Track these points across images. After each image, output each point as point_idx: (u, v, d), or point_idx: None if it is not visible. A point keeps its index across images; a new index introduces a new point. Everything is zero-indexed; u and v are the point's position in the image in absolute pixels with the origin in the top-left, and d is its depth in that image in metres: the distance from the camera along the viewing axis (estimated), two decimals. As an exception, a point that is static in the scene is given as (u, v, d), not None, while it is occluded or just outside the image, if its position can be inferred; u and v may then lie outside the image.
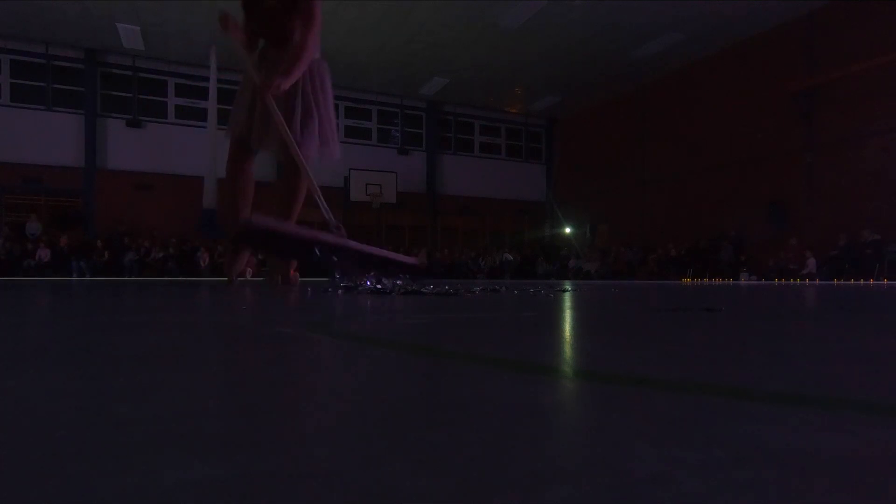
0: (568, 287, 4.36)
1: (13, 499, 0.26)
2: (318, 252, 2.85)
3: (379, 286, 2.97)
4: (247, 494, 0.27)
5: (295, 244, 2.92)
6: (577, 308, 1.99)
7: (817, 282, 10.06)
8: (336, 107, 18.30)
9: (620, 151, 17.53)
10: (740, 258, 13.37)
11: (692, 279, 13.17)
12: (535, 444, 0.37)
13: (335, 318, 1.43)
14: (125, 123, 15.00)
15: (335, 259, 2.99)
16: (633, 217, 17.10)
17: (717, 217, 14.21)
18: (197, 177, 14.55)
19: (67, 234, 13.41)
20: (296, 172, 3.40)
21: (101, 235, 13.88)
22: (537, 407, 0.47)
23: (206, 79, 14.79)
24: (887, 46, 10.72)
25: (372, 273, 3.12)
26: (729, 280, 12.09)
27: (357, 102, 17.61)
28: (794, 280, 11.29)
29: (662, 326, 1.29)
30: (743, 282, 10.66)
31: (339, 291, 2.98)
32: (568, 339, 1.02)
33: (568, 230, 19.32)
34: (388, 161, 17.62)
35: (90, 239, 13.80)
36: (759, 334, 1.15)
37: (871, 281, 10.18)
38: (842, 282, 9.88)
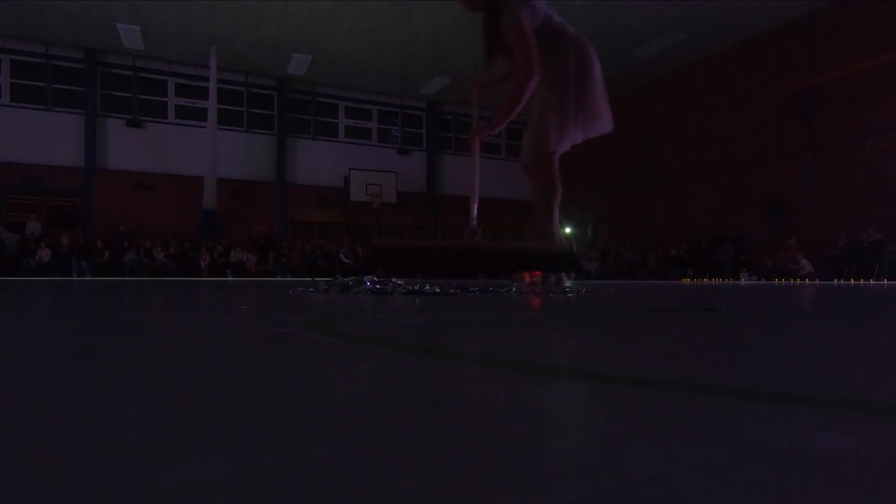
0: (568, 287, 4.35)
1: (13, 499, 0.26)
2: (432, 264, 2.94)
3: (378, 286, 2.97)
4: (247, 494, 0.27)
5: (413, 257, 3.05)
6: (576, 308, 1.99)
7: (817, 282, 10.06)
8: (336, 107, 18.25)
9: (620, 151, 17.52)
10: (740, 258, 13.37)
11: (692, 279, 13.17)
12: (535, 444, 0.37)
13: (335, 318, 1.43)
14: (125, 123, 15.00)
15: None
16: (633, 217, 17.09)
17: (717, 217, 14.21)
18: (197, 177, 14.56)
19: (67, 234, 13.41)
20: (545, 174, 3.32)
21: (101, 235, 13.88)
22: (537, 407, 0.47)
23: (206, 79, 14.80)
24: (887, 46, 10.72)
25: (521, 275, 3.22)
26: (729, 280, 12.09)
27: (357, 102, 17.61)
28: (794, 280, 11.29)
29: (662, 326, 1.29)
30: (743, 282, 10.66)
31: (319, 290, 3.05)
32: (568, 339, 1.02)
33: (568, 230, 19.32)
34: (388, 161, 17.62)
35: (90, 239, 13.81)
36: (759, 334, 1.15)
37: (871, 281, 10.18)
38: (842, 282, 9.88)
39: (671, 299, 2.76)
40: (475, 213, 3.37)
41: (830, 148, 12.04)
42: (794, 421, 0.43)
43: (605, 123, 3.28)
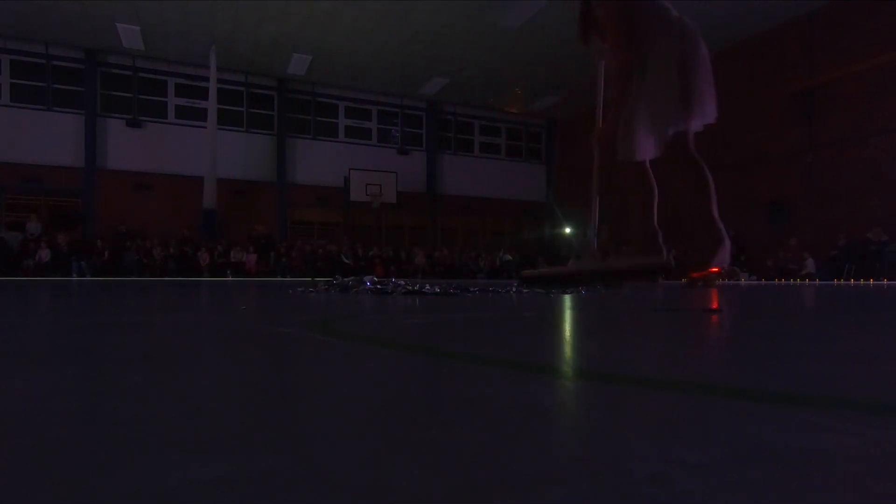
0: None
1: (13, 499, 0.26)
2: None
3: (379, 286, 2.97)
4: (247, 494, 0.27)
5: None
6: (576, 308, 1.99)
7: (817, 282, 10.06)
8: (336, 107, 18.21)
9: (620, 151, 17.49)
10: (741, 258, 13.38)
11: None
12: (535, 444, 0.37)
13: (335, 319, 1.43)
14: (125, 123, 15.01)
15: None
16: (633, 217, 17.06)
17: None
18: (197, 177, 14.57)
19: (67, 234, 13.42)
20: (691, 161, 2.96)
21: (101, 235, 13.89)
22: (537, 407, 0.47)
23: (206, 79, 14.81)
24: (887, 46, 10.72)
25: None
26: (729, 280, 12.09)
27: (357, 102, 17.62)
28: (794, 280, 11.29)
29: (662, 326, 1.29)
30: (743, 282, 10.66)
31: (314, 291, 3.04)
32: (567, 339, 1.02)
33: (568, 230, 19.32)
34: (388, 161, 17.63)
35: (90, 239, 13.81)
36: (759, 334, 1.15)
37: (872, 281, 10.18)
38: (842, 282, 9.89)
39: (671, 299, 2.76)
40: (595, 233, 3.21)
41: (830, 148, 12.04)
42: (794, 421, 0.43)
43: (711, 113, 3.01)
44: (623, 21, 2.73)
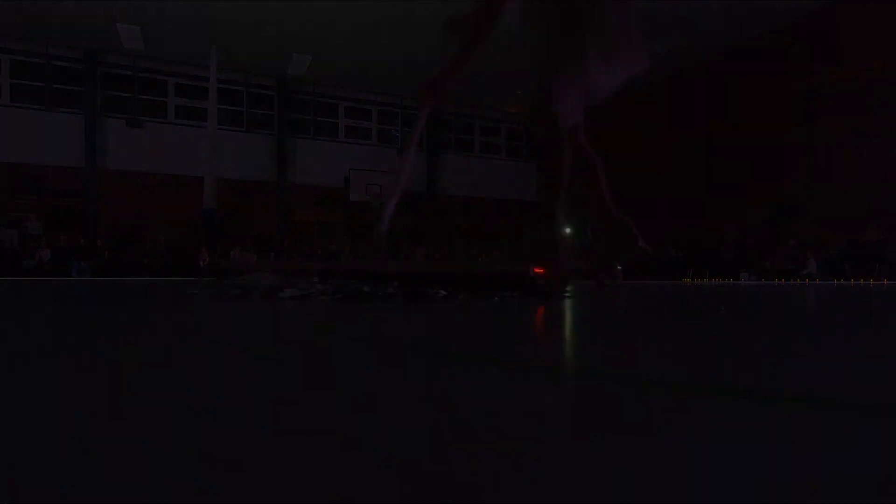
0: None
1: (13, 498, 0.26)
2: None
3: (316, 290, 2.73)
4: (246, 495, 0.27)
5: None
6: (576, 308, 1.99)
7: (817, 282, 10.06)
8: (336, 107, 18.13)
9: (620, 152, 17.50)
10: (740, 258, 13.38)
11: (692, 279, 13.17)
12: (535, 443, 0.37)
13: (335, 319, 1.43)
14: (125, 123, 15.00)
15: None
16: (632, 217, 17.05)
17: (718, 217, 14.21)
18: (197, 177, 14.57)
19: (66, 235, 13.41)
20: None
21: (102, 235, 13.88)
22: (537, 407, 0.47)
23: (206, 79, 14.81)
24: (888, 47, 10.72)
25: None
26: (729, 280, 12.09)
27: (357, 102, 17.61)
28: (795, 280, 11.29)
29: (663, 326, 1.29)
30: (743, 282, 10.66)
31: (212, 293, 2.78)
32: (568, 340, 1.02)
33: (568, 230, 19.32)
34: (388, 161, 17.63)
35: (90, 239, 13.81)
36: (758, 334, 1.15)
37: (872, 281, 10.18)
38: (842, 282, 9.88)
39: (671, 300, 2.76)
40: (391, 209, 2.64)
41: (830, 148, 12.05)
42: (794, 421, 0.43)
43: (632, 64, 2.60)
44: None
